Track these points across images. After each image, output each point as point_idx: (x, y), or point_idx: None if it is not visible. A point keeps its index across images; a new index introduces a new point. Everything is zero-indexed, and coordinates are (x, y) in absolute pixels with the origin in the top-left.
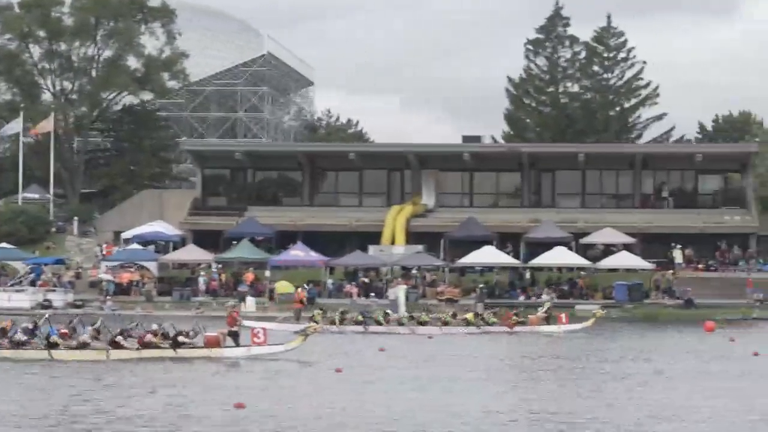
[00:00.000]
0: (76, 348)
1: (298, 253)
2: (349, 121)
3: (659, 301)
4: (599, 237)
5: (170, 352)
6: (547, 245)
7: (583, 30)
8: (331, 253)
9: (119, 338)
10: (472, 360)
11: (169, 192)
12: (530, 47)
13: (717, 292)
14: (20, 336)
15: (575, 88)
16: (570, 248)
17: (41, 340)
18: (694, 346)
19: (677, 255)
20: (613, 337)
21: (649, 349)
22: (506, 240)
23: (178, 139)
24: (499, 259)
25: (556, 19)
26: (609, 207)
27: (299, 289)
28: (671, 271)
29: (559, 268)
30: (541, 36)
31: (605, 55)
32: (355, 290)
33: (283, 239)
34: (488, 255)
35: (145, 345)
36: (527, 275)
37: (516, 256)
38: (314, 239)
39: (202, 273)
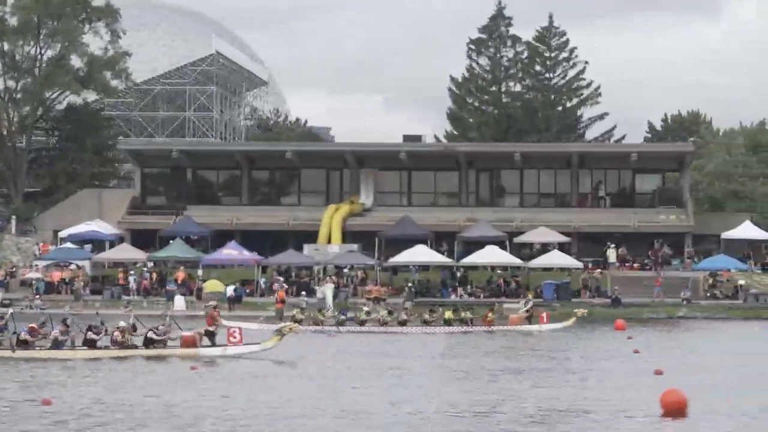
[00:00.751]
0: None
1: (231, 252)
2: (297, 120)
3: (587, 300)
4: (533, 236)
5: (144, 352)
6: (481, 244)
7: (527, 30)
8: (269, 252)
9: (90, 334)
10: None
11: (108, 191)
12: (472, 47)
13: (648, 291)
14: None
15: (517, 88)
16: (504, 247)
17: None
18: (589, 344)
19: (611, 254)
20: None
21: (551, 348)
22: (442, 239)
23: (123, 138)
24: (431, 258)
25: (499, 18)
26: (547, 206)
27: (280, 290)
28: (599, 270)
29: (492, 267)
30: (483, 36)
31: (547, 54)
32: (282, 290)
33: (222, 238)
34: (420, 254)
35: (118, 344)
36: (458, 274)
37: (451, 255)
38: (253, 238)
39: (131, 272)
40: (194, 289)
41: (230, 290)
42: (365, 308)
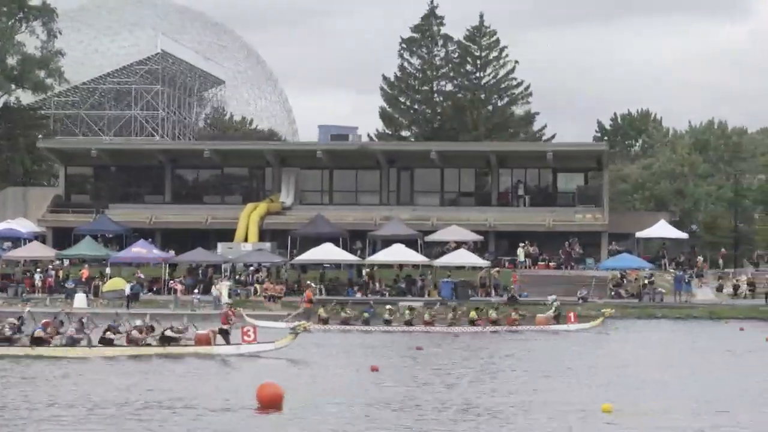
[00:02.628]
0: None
1: (139, 250)
2: (243, 118)
3: (484, 298)
4: (445, 234)
5: (159, 350)
6: (393, 242)
7: (462, 29)
8: (188, 250)
9: (108, 334)
10: None
11: (34, 190)
12: (404, 46)
13: (556, 289)
14: (7, 332)
15: (449, 87)
16: (416, 246)
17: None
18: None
19: (520, 253)
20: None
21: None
22: (357, 237)
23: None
24: (339, 257)
25: (431, 18)
26: (467, 205)
27: (308, 290)
28: (497, 269)
29: (400, 266)
30: (415, 35)
31: (477, 54)
32: (180, 287)
33: (144, 237)
34: (328, 252)
35: (133, 342)
36: (364, 272)
37: (364, 253)
38: (175, 237)
39: (37, 270)
40: (100, 286)
41: (128, 288)
42: (388, 307)
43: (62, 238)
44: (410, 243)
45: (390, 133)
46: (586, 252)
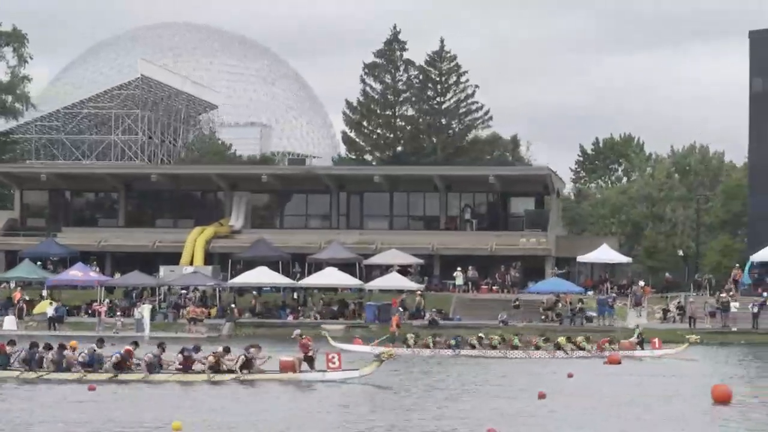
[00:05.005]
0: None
1: (76, 273)
2: (222, 143)
3: (405, 321)
4: (384, 258)
5: (244, 376)
6: (332, 266)
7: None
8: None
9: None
10: None
11: None
12: (366, 71)
13: (488, 313)
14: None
15: (410, 112)
16: (360, 269)
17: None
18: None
19: (457, 276)
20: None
21: None
22: (301, 261)
23: (31, 161)
24: (272, 280)
25: (394, 43)
26: (416, 229)
27: (395, 315)
28: (419, 292)
29: (335, 289)
30: (378, 60)
31: (437, 79)
32: (103, 309)
33: (99, 260)
34: (262, 275)
35: (212, 368)
36: (295, 295)
37: (303, 276)
38: (125, 260)
39: None
40: (24, 308)
41: (51, 310)
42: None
43: (13, 261)
44: (350, 266)
45: (353, 157)
46: (529, 276)
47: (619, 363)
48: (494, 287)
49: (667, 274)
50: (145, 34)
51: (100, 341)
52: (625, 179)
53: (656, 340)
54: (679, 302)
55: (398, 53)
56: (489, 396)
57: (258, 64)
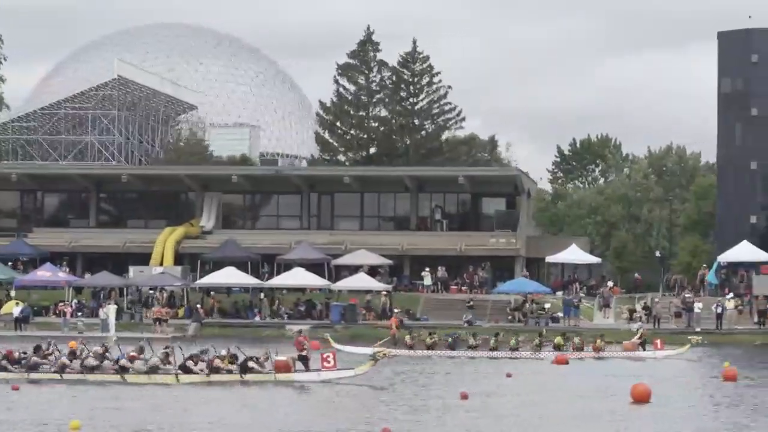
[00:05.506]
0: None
1: (44, 273)
2: (202, 143)
3: (371, 322)
4: (353, 259)
5: (238, 377)
6: (301, 266)
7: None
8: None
9: (189, 363)
10: None
11: None
12: (340, 71)
13: (456, 313)
14: (92, 361)
15: (383, 113)
16: (323, 270)
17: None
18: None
19: (425, 277)
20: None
21: None
22: (271, 261)
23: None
24: (239, 280)
25: (367, 44)
26: (387, 229)
27: (393, 316)
28: (384, 293)
29: (303, 289)
30: (351, 61)
31: (410, 80)
32: (68, 309)
33: (70, 260)
34: (229, 276)
35: (213, 370)
36: (262, 295)
37: (272, 276)
38: (97, 260)
39: None
40: None
41: (17, 311)
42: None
43: None
44: (320, 267)
45: (327, 158)
46: (499, 276)
47: (567, 363)
48: (464, 287)
49: (636, 275)
50: (136, 35)
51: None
52: (602, 180)
53: (658, 341)
54: (645, 303)
55: (372, 54)
56: (407, 396)
57: (247, 65)
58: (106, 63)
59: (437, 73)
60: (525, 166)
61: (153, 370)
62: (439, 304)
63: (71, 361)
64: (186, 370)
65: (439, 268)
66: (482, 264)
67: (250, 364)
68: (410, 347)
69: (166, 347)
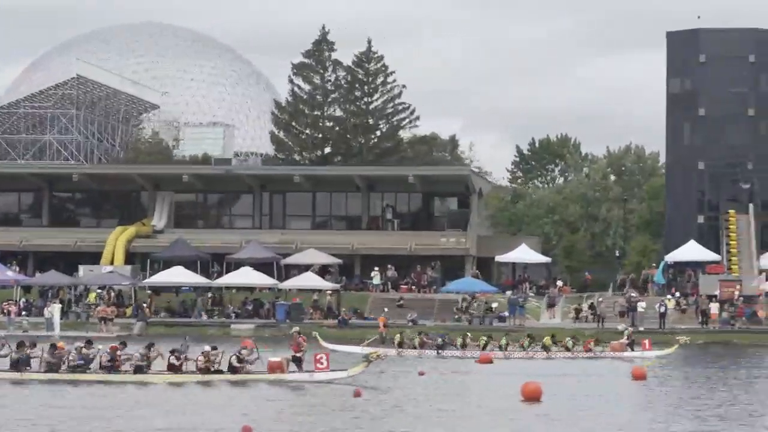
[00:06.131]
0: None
1: None
2: (165, 143)
3: (317, 321)
4: (302, 258)
5: (231, 377)
6: (250, 265)
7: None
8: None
9: (172, 359)
10: None
11: None
12: (295, 71)
13: (405, 312)
14: (77, 360)
15: (338, 113)
16: (272, 269)
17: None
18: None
19: (375, 276)
20: None
21: None
22: (222, 260)
23: None
24: (187, 279)
25: (322, 44)
26: (338, 228)
27: (382, 316)
28: (329, 293)
29: (251, 289)
30: (306, 60)
31: (364, 79)
32: (14, 308)
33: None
34: (177, 275)
35: (201, 369)
36: (209, 295)
37: (221, 276)
38: (50, 259)
39: None
40: None
41: None
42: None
43: None
44: (269, 266)
45: (282, 157)
46: (449, 275)
47: (491, 362)
48: (413, 287)
49: (586, 274)
50: (111, 34)
51: (89, 342)
52: (561, 179)
53: (646, 341)
54: (591, 302)
55: (327, 54)
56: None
57: (223, 65)
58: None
59: (391, 73)
60: (491, 166)
61: (138, 369)
62: (387, 303)
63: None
64: (175, 369)
65: (389, 267)
66: (432, 263)
67: (234, 360)
68: (400, 346)
69: (149, 344)
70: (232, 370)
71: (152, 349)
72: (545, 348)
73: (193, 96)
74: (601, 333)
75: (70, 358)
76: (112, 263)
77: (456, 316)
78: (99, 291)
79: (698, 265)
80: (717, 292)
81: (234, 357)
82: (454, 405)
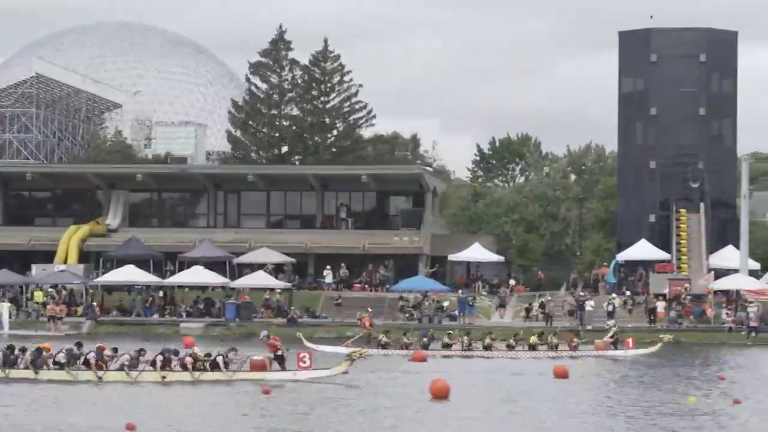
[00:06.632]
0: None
1: None
2: (125, 142)
3: (267, 319)
4: (255, 257)
5: (217, 375)
6: (203, 264)
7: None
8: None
9: (159, 358)
10: None
11: None
12: (252, 70)
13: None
14: (62, 358)
15: (295, 111)
16: (230, 267)
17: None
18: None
19: (327, 275)
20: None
21: None
22: (175, 259)
23: None
24: (138, 278)
25: (279, 43)
26: (293, 227)
27: (366, 315)
28: (279, 291)
29: (203, 288)
30: (263, 59)
31: (321, 78)
32: None
33: None
34: (129, 274)
35: (188, 369)
36: (161, 293)
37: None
38: (2, 258)
39: None
40: None
41: None
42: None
43: None
44: (223, 265)
45: (239, 157)
46: (402, 274)
47: (424, 360)
48: (366, 286)
49: (540, 272)
50: (85, 33)
51: (79, 344)
52: (522, 179)
53: (630, 340)
54: (542, 301)
55: (284, 53)
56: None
57: (196, 64)
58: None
59: (348, 72)
60: (459, 166)
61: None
62: (340, 302)
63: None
64: (163, 368)
65: (342, 265)
66: (386, 262)
67: (218, 359)
68: (384, 346)
69: (140, 349)
70: (214, 368)
71: (142, 353)
72: (532, 347)
73: (166, 95)
74: (549, 332)
75: (57, 358)
76: (65, 262)
77: (406, 315)
78: (51, 290)
79: (649, 264)
80: (666, 291)
81: (220, 357)
82: (361, 402)
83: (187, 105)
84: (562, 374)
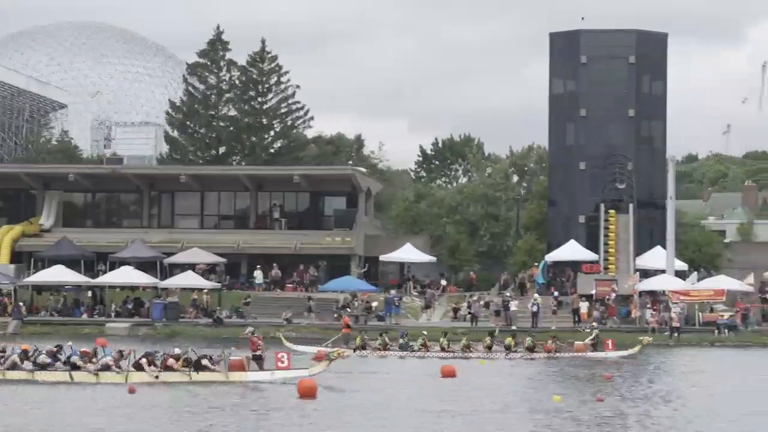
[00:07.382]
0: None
1: None
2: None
3: (193, 319)
4: (185, 257)
5: (191, 375)
6: (132, 264)
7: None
8: None
9: (142, 361)
10: None
11: None
12: (189, 71)
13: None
14: (44, 358)
15: (232, 112)
16: (161, 268)
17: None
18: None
19: (257, 275)
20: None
21: None
22: (104, 260)
23: None
24: (68, 278)
25: (217, 43)
26: (226, 228)
27: (345, 316)
28: (205, 291)
29: (132, 287)
30: (201, 60)
31: (258, 79)
32: None
33: None
34: (58, 274)
35: (166, 369)
36: (90, 293)
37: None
38: None
39: None
40: None
41: None
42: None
43: None
44: (154, 265)
45: (177, 157)
46: (334, 274)
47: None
48: (299, 286)
49: (471, 273)
50: (44, 32)
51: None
52: (465, 179)
53: (609, 342)
54: (469, 302)
55: (221, 53)
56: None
57: (154, 64)
58: (9, 63)
59: (286, 73)
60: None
61: (105, 368)
62: (268, 301)
63: (23, 361)
64: (138, 368)
65: (274, 266)
66: (319, 262)
67: (204, 362)
68: (362, 347)
69: (120, 351)
70: (197, 367)
71: (124, 353)
72: (508, 349)
73: (126, 95)
74: (473, 332)
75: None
76: None
77: (335, 315)
78: None
79: (577, 265)
80: (593, 291)
81: (205, 360)
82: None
83: (147, 105)
84: (449, 374)
